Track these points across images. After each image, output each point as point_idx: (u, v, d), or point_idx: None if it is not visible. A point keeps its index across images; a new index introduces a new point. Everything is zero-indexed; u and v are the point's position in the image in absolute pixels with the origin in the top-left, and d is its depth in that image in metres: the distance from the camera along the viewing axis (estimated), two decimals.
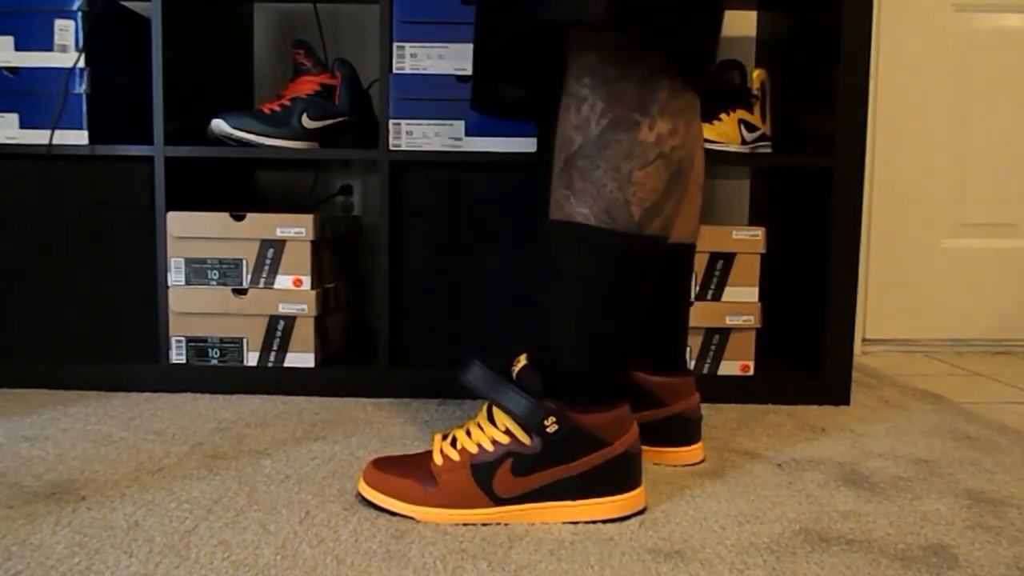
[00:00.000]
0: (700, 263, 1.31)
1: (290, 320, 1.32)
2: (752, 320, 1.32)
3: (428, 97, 1.31)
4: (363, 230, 1.78)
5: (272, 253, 1.31)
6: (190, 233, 1.31)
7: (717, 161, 1.34)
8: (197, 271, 1.31)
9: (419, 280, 1.34)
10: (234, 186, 1.61)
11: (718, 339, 1.33)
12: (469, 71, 1.31)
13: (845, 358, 1.32)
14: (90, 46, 1.32)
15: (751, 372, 1.33)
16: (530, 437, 0.81)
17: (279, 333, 1.32)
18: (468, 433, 0.84)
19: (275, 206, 1.77)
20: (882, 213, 1.88)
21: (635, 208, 0.78)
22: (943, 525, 0.83)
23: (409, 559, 0.73)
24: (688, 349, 1.32)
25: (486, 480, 0.81)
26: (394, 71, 1.31)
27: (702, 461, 1.03)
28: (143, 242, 1.34)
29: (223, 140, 1.32)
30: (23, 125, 1.31)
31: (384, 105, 1.31)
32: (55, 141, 1.30)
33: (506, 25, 0.83)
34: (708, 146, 1.35)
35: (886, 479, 0.97)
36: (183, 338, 1.32)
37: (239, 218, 1.30)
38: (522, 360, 0.83)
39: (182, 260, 1.31)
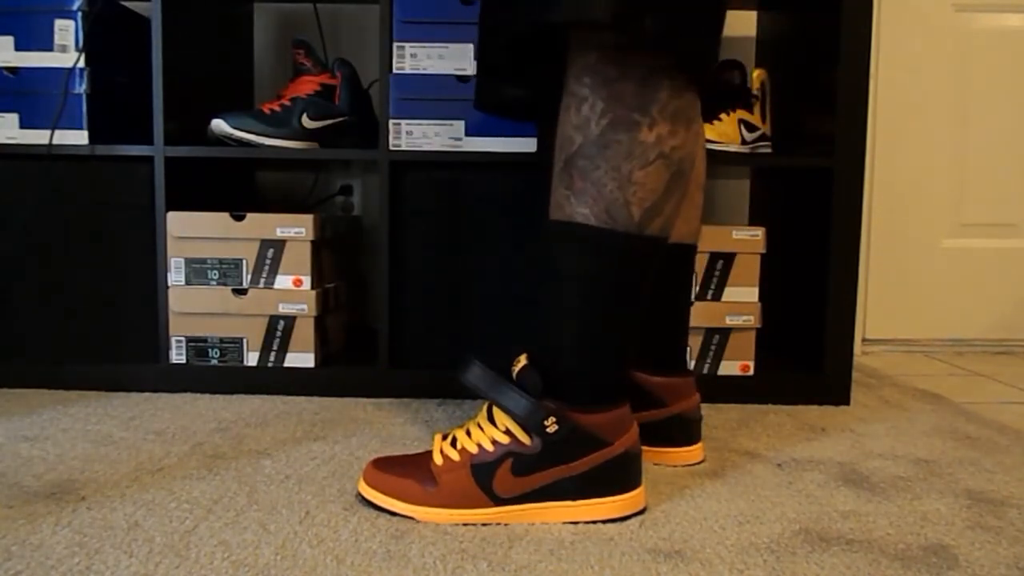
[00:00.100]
0: (700, 263, 1.31)
1: (290, 320, 1.32)
2: (752, 320, 1.32)
3: (428, 97, 1.31)
4: (363, 230, 1.78)
5: (272, 253, 1.31)
6: (190, 233, 1.31)
7: (717, 161, 1.34)
8: (197, 271, 1.31)
9: (419, 280, 1.34)
10: (234, 186, 1.61)
11: (718, 339, 1.33)
12: (469, 71, 1.31)
13: (845, 358, 1.32)
14: (90, 46, 1.32)
15: (751, 372, 1.33)
16: (530, 437, 0.81)
17: (279, 333, 1.32)
18: (468, 433, 0.84)
19: (275, 206, 1.77)
20: (882, 213, 1.88)
21: (635, 208, 0.78)
22: (943, 525, 0.83)
23: (409, 559, 0.73)
24: (688, 349, 1.32)
25: (486, 480, 0.81)
26: (394, 71, 1.31)
27: (702, 461, 1.03)
28: (143, 242, 1.34)
29: (223, 140, 1.32)
30: (23, 125, 1.32)
31: (384, 105, 1.31)
32: (55, 141, 1.30)
33: (506, 25, 0.83)
34: (708, 146, 1.35)
35: (886, 479, 0.97)
36: (183, 338, 1.32)
37: (239, 218, 1.30)
38: (522, 360, 0.83)
39: (182, 260, 1.31)
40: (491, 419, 0.83)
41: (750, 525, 0.83)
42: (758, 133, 1.42)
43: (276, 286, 1.32)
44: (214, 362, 1.33)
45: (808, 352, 1.39)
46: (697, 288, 1.32)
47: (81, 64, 1.30)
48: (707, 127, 1.37)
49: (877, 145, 1.87)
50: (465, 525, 0.81)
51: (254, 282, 1.32)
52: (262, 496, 0.87)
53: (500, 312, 1.34)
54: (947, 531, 0.82)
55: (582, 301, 0.80)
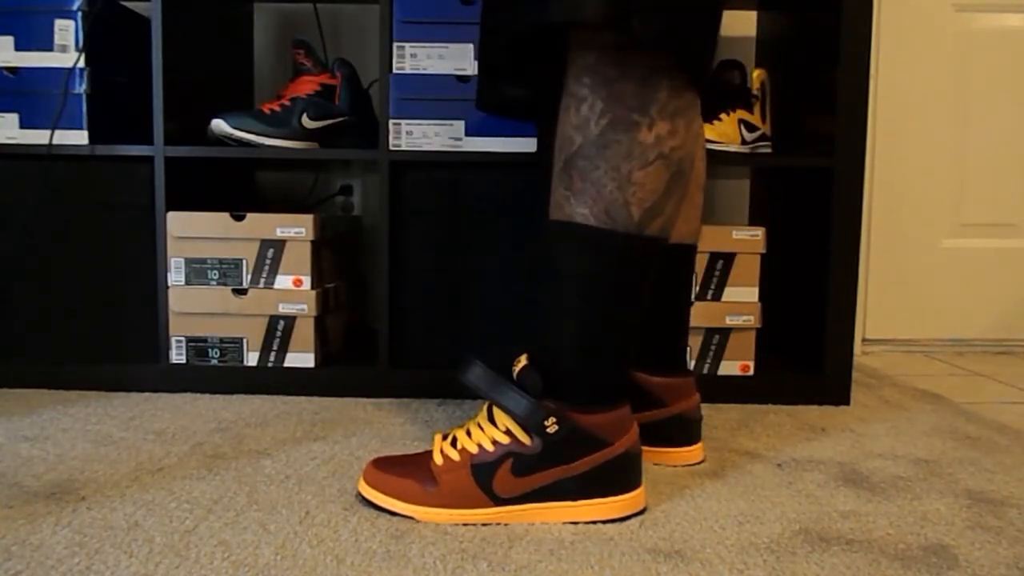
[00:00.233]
0: (700, 263, 1.31)
1: (290, 320, 1.32)
2: (752, 320, 1.32)
3: (428, 97, 1.31)
4: (363, 230, 1.78)
5: (272, 253, 1.31)
6: (190, 233, 1.31)
7: (717, 161, 1.34)
8: (197, 271, 1.31)
9: (419, 280, 1.34)
10: (234, 186, 1.61)
11: (718, 339, 1.33)
12: (469, 71, 1.31)
13: (845, 358, 1.32)
14: (90, 46, 1.32)
15: (751, 372, 1.33)
16: (530, 437, 0.81)
17: (279, 333, 1.32)
18: (468, 433, 0.84)
19: (275, 206, 1.77)
20: (882, 213, 1.88)
21: (635, 209, 0.78)
22: (943, 525, 0.83)
23: (409, 559, 0.73)
24: (688, 349, 1.32)
25: (486, 480, 0.81)
26: (394, 71, 1.31)
27: (702, 461, 1.03)
28: (143, 242, 1.34)
29: (223, 140, 1.32)
30: (23, 125, 1.31)
31: (384, 105, 1.31)
32: (55, 141, 1.30)
33: (506, 25, 0.83)
34: (708, 146, 1.35)
35: (886, 479, 0.97)
36: (183, 338, 1.32)
37: (239, 218, 1.30)
38: (523, 360, 0.83)
39: (182, 260, 1.31)
40: (491, 419, 0.83)
41: (750, 525, 0.83)
42: (758, 133, 1.42)
43: (276, 286, 1.32)
44: (214, 362, 1.33)
45: (808, 352, 1.39)
46: (697, 288, 1.32)
47: (81, 64, 1.30)
48: (707, 127, 1.37)
49: (877, 145, 1.87)
50: (465, 525, 0.81)
51: (254, 282, 1.32)
52: (262, 496, 0.87)
53: (500, 312, 1.34)
54: (947, 531, 0.82)
55: (582, 301, 0.80)
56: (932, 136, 1.87)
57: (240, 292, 1.31)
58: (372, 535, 0.78)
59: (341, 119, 1.40)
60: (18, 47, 1.31)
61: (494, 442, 0.82)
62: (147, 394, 1.31)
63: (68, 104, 1.30)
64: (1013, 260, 1.90)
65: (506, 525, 0.81)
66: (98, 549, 0.73)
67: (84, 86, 1.30)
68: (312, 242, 1.31)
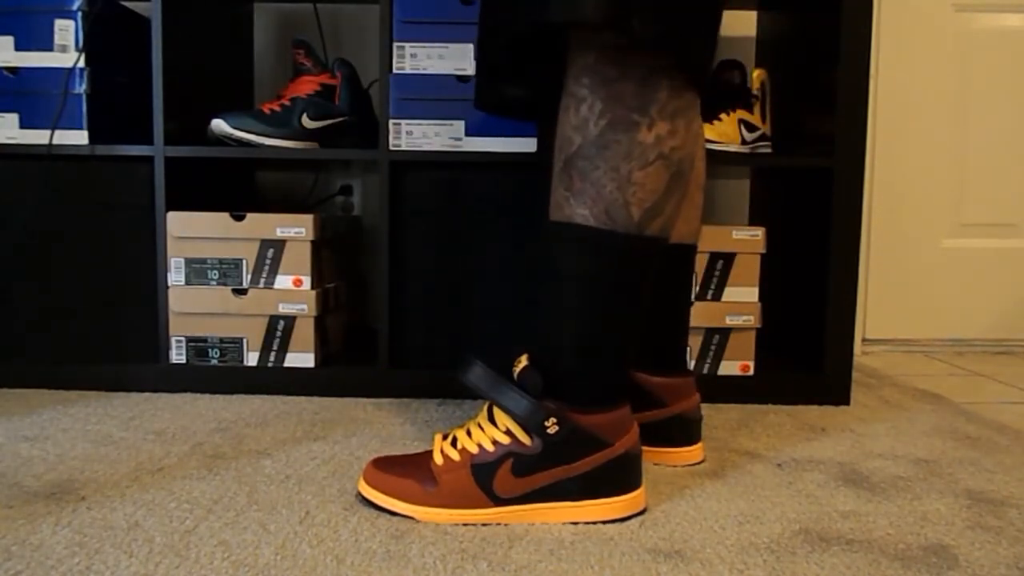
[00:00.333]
0: (700, 263, 1.31)
1: (290, 320, 1.32)
2: (752, 320, 1.32)
3: (428, 97, 1.31)
4: (363, 230, 1.78)
5: (272, 253, 1.31)
6: (190, 233, 1.31)
7: (717, 161, 1.34)
8: (197, 271, 1.31)
9: (419, 280, 1.34)
10: (234, 186, 1.61)
11: (718, 339, 1.33)
12: (469, 71, 1.31)
13: (845, 358, 1.32)
14: (90, 46, 1.32)
15: (751, 372, 1.33)
16: (531, 437, 0.81)
17: (279, 333, 1.32)
18: (468, 433, 0.84)
19: (275, 206, 1.77)
20: (882, 213, 1.88)
21: (635, 209, 0.78)
22: (943, 525, 0.83)
23: (409, 559, 0.73)
24: (688, 349, 1.32)
25: (486, 480, 0.81)
26: (394, 71, 1.31)
27: (702, 461, 1.03)
28: (143, 242, 1.34)
29: (223, 140, 1.32)
30: (23, 125, 1.31)
31: (384, 105, 1.31)
32: (55, 141, 1.30)
33: (506, 25, 0.83)
34: (708, 146, 1.35)
35: (886, 479, 0.97)
36: (183, 338, 1.32)
37: (239, 218, 1.30)
38: (523, 360, 0.83)
39: (182, 260, 1.31)
40: (491, 419, 0.83)
41: (750, 525, 0.83)
42: (758, 133, 1.42)
43: (276, 286, 1.32)
44: (214, 362, 1.33)
45: (808, 352, 1.39)
46: (697, 288, 1.32)
47: (81, 64, 1.30)
48: (707, 127, 1.37)
49: (877, 145, 1.87)
50: (465, 525, 0.81)
51: (254, 282, 1.32)
52: (262, 496, 0.87)
53: (500, 312, 1.34)
54: (947, 531, 0.82)
55: (582, 302, 0.80)
56: (932, 136, 1.87)
57: (240, 292, 1.31)
58: (372, 535, 0.78)
59: (341, 119, 1.40)
60: (18, 47, 1.31)
61: (494, 442, 0.82)
62: (147, 394, 1.31)
63: (68, 104, 1.30)
64: (1013, 260, 1.90)
65: (506, 525, 0.81)
66: (98, 549, 0.73)
67: (84, 86, 1.30)
68: (312, 242, 1.31)
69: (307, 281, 1.31)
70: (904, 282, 1.90)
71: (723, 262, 1.32)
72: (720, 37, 1.77)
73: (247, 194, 1.70)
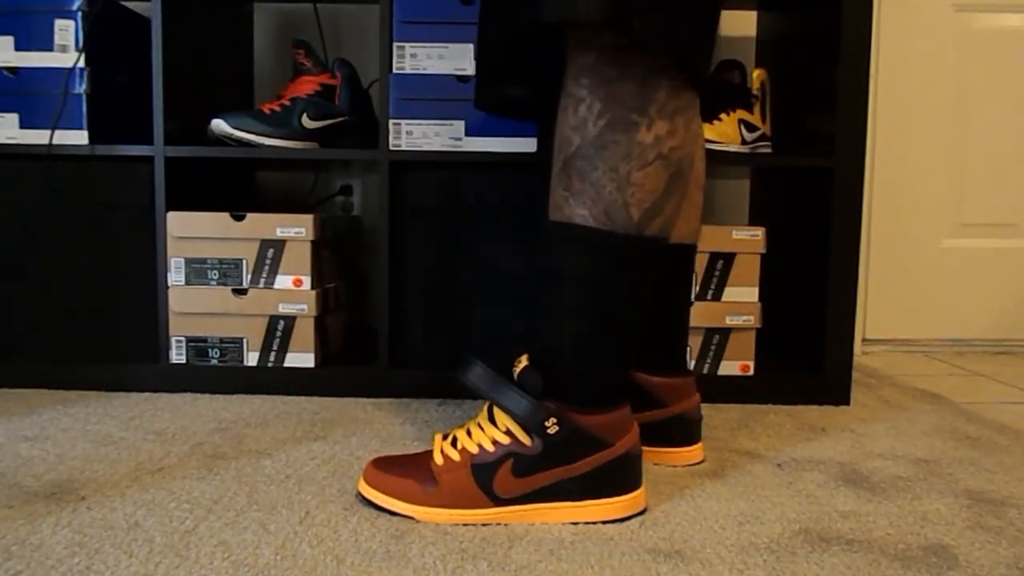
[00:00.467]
0: (700, 263, 1.31)
1: (290, 320, 1.32)
2: (752, 320, 1.32)
3: (428, 97, 1.31)
4: (363, 230, 1.78)
5: (272, 253, 1.31)
6: (190, 233, 1.31)
7: (717, 161, 1.34)
8: (197, 271, 1.31)
9: (419, 280, 1.34)
10: (234, 186, 1.61)
11: (718, 339, 1.33)
12: (469, 71, 1.31)
13: (845, 358, 1.32)
14: (90, 46, 1.32)
15: (751, 372, 1.33)
16: (531, 438, 0.81)
17: (279, 333, 1.32)
18: (468, 433, 0.84)
19: (275, 206, 1.77)
20: (882, 213, 1.88)
21: (634, 209, 0.78)
22: (943, 525, 0.83)
23: (409, 559, 0.73)
24: (688, 349, 1.32)
25: (486, 480, 0.81)
26: (394, 71, 1.31)
27: (702, 461, 1.03)
28: (143, 242, 1.34)
29: (223, 140, 1.32)
30: (23, 125, 1.31)
31: (384, 105, 1.31)
32: (55, 141, 1.30)
33: (505, 25, 0.83)
34: (708, 146, 1.35)
35: (886, 479, 0.97)
36: (183, 338, 1.32)
37: (239, 218, 1.30)
38: (523, 360, 0.83)
39: (182, 260, 1.31)
40: (492, 419, 0.83)
41: (750, 525, 0.83)
42: (758, 133, 1.42)
43: (276, 286, 1.32)
44: (214, 362, 1.33)
45: (808, 352, 1.39)
46: (697, 288, 1.32)
47: (81, 64, 1.30)
48: (707, 127, 1.37)
49: (877, 145, 1.87)
50: (465, 525, 0.81)
51: (254, 282, 1.32)
52: (262, 496, 0.87)
53: (500, 312, 1.34)
54: (947, 531, 0.82)
55: (582, 302, 0.80)
56: (932, 136, 1.87)
57: (240, 292, 1.31)
58: (372, 535, 0.78)
59: (341, 119, 1.40)
60: (18, 47, 1.31)
61: (494, 442, 0.82)
62: (147, 394, 1.31)
63: (68, 104, 1.30)
64: (1013, 260, 1.90)
65: (506, 525, 0.81)
66: (98, 549, 0.73)
67: (84, 86, 1.30)
68: (312, 242, 1.31)
69: (307, 281, 1.31)
70: (904, 282, 1.90)
71: (723, 262, 1.32)
72: (720, 37, 1.77)
73: (247, 194, 1.70)
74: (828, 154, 1.31)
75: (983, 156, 1.88)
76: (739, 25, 1.76)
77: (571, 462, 0.81)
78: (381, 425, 1.16)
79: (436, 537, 0.78)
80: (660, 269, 1.00)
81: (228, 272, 1.31)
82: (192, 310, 1.32)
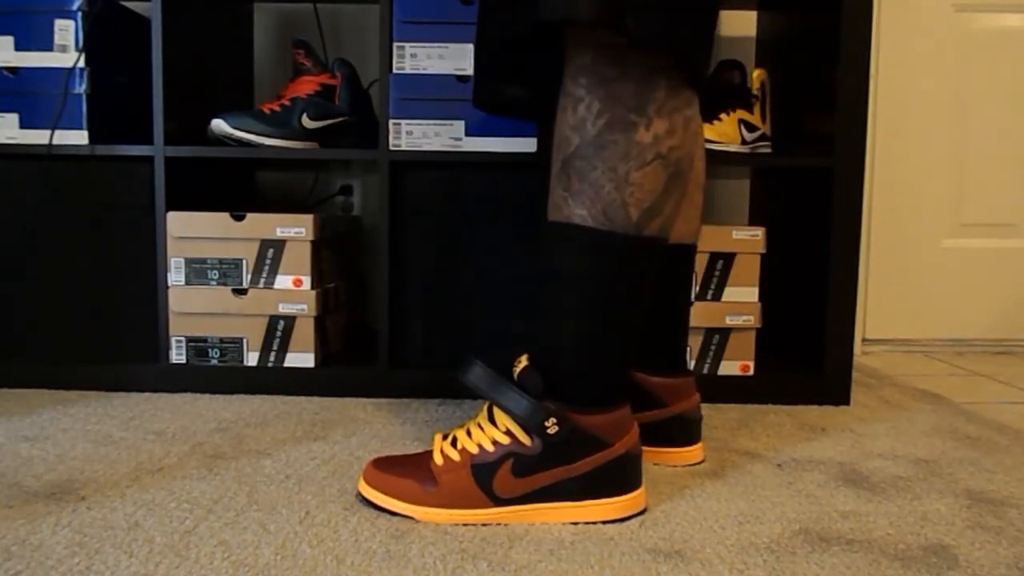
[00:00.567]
0: (700, 263, 1.31)
1: (290, 320, 1.32)
2: (752, 320, 1.32)
3: (428, 97, 1.31)
4: (363, 230, 1.78)
5: (272, 253, 1.31)
6: (190, 233, 1.31)
7: (717, 161, 1.34)
8: (197, 271, 1.31)
9: (419, 280, 1.34)
10: (234, 186, 1.61)
11: (718, 339, 1.33)
12: (469, 71, 1.31)
13: (845, 358, 1.32)
14: (90, 46, 1.32)
15: (751, 372, 1.33)
16: (531, 438, 0.81)
17: (279, 333, 1.32)
18: (468, 433, 0.84)
19: (275, 206, 1.77)
20: (882, 213, 1.88)
21: (633, 209, 0.78)
22: (943, 525, 0.83)
23: (409, 559, 0.73)
24: (688, 349, 1.32)
25: (486, 480, 0.81)
26: (394, 71, 1.31)
27: (702, 461, 1.03)
28: (143, 242, 1.34)
29: (223, 140, 1.32)
30: (23, 125, 1.32)
31: (384, 105, 1.31)
32: (55, 141, 1.30)
33: (504, 25, 0.83)
34: (708, 146, 1.35)
35: (886, 479, 0.97)
36: (183, 338, 1.32)
37: (239, 218, 1.30)
38: (523, 361, 0.83)
39: (182, 260, 1.31)
40: (492, 419, 0.83)
41: (750, 525, 0.83)
42: (758, 133, 1.42)
43: (276, 286, 1.32)
44: (214, 362, 1.33)
45: (808, 352, 1.39)
46: (697, 288, 1.32)
47: (81, 64, 1.30)
48: (707, 127, 1.37)
49: (877, 145, 1.87)
50: (465, 525, 0.81)
51: (254, 282, 1.32)
52: (262, 496, 0.87)
53: (500, 312, 1.34)
54: (947, 531, 0.82)
55: (581, 302, 0.80)
56: (932, 136, 1.87)
57: (240, 292, 1.31)
58: (372, 535, 0.78)
59: (341, 119, 1.40)
60: (18, 47, 1.31)
61: (494, 442, 0.82)
62: (147, 394, 1.31)
63: (68, 104, 1.30)
64: (1013, 260, 1.90)
65: (506, 525, 0.81)
66: (98, 549, 0.73)
67: (84, 86, 1.31)
68: (312, 242, 1.31)
69: (307, 281, 1.31)
70: (904, 282, 1.90)
71: (723, 262, 1.32)
72: (720, 37, 1.77)
73: (247, 194, 1.70)
74: (828, 154, 1.31)
75: (983, 156, 1.88)
76: (739, 25, 1.76)
77: (571, 462, 0.81)
78: (381, 425, 1.16)
79: (436, 537, 0.78)
80: (660, 269, 1.00)
81: (228, 272, 1.31)
82: (192, 310, 1.32)
